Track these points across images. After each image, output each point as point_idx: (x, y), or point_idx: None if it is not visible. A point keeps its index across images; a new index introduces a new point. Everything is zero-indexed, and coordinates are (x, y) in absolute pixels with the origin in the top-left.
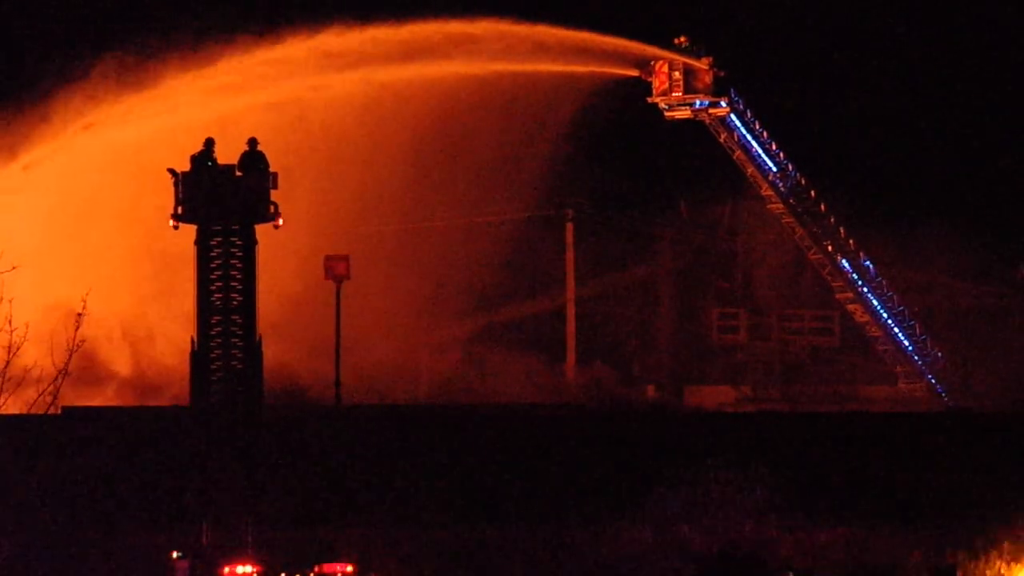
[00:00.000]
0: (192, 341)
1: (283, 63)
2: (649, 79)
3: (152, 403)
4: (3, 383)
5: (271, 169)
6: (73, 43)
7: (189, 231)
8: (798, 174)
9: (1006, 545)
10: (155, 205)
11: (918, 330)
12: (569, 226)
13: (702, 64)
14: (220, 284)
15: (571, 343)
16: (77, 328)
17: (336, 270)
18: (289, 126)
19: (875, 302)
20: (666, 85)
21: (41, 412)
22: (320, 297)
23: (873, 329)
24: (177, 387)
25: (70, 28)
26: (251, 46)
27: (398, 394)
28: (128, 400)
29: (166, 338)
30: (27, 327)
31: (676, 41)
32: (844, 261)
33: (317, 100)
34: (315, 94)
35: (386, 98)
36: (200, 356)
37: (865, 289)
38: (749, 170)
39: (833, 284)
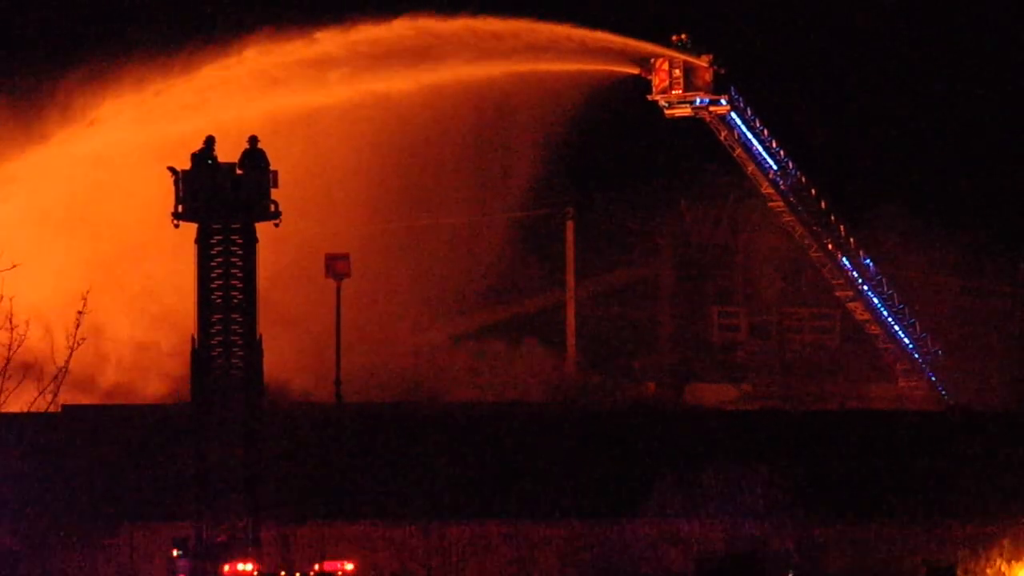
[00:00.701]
0: (192, 339)
1: (281, 64)
2: (649, 77)
3: (86, 396)
4: (3, 382)
5: (271, 167)
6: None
7: (181, 232)
8: (798, 172)
9: (1005, 543)
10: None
11: (918, 328)
12: (569, 224)
13: (702, 62)
14: (220, 282)
15: (571, 341)
16: (78, 326)
17: (337, 268)
18: (288, 127)
19: (875, 300)
20: (666, 83)
21: (41, 410)
22: (318, 295)
23: (873, 327)
24: (111, 380)
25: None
26: (249, 47)
27: (398, 392)
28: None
29: (111, 331)
30: (27, 325)
31: (674, 39)
32: (844, 259)
33: (317, 101)
34: (315, 95)
35: (386, 98)
36: (200, 354)
37: (865, 287)
38: (749, 168)
39: (833, 282)
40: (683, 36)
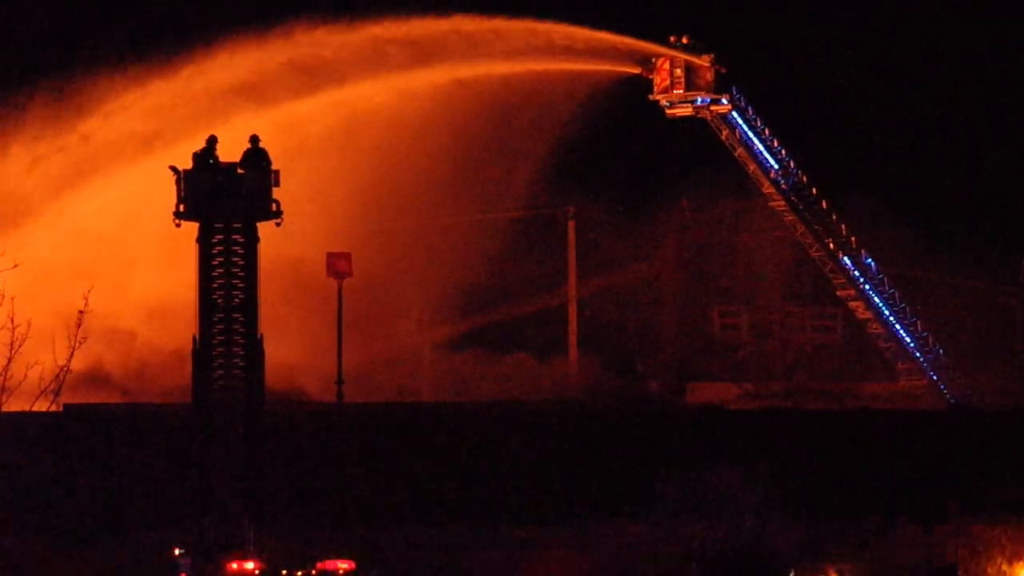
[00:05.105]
0: (194, 339)
1: (284, 64)
2: (650, 76)
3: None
4: (4, 381)
5: (273, 167)
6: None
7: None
8: (800, 171)
9: (1007, 542)
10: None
11: (919, 327)
12: (571, 224)
13: (703, 61)
14: (222, 282)
15: (573, 341)
16: (79, 325)
17: (338, 267)
18: (292, 126)
19: (876, 299)
20: (667, 82)
21: (43, 410)
22: (321, 294)
23: (875, 326)
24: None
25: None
26: (250, 46)
27: (400, 392)
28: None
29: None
30: (28, 325)
31: (672, 39)
32: (845, 258)
33: (320, 101)
34: (318, 95)
35: (388, 98)
36: (202, 354)
37: (867, 286)
38: (751, 167)
39: (835, 281)
40: (684, 36)
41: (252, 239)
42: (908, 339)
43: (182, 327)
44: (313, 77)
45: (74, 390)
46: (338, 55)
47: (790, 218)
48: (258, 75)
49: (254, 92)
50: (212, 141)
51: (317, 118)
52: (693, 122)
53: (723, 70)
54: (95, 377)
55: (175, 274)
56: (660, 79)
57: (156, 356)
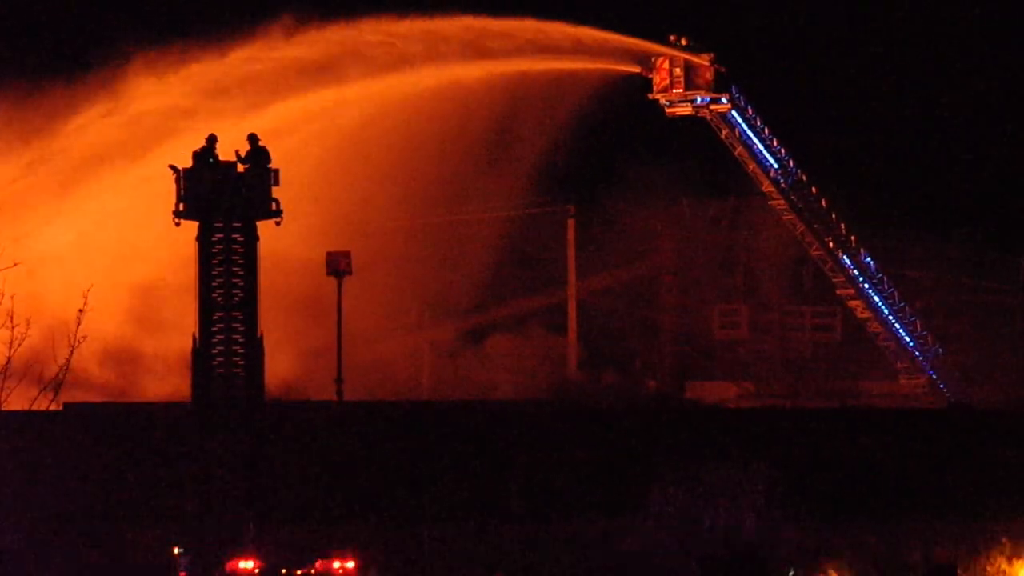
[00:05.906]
0: (194, 338)
1: (286, 64)
2: (650, 75)
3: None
4: (4, 380)
5: (272, 166)
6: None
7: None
8: (799, 170)
9: (1006, 542)
10: None
11: (919, 326)
12: (571, 222)
13: (703, 60)
14: (221, 281)
15: (572, 339)
16: (79, 324)
17: (338, 266)
18: (294, 126)
19: (876, 298)
20: (667, 81)
21: (43, 408)
22: (322, 293)
23: (874, 325)
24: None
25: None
26: (252, 45)
27: (400, 390)
28: None
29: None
30: (28, 323)
31: (672, 39)
32: (845, 257)
33: (322, 101)
34: (320, 94)
35: (390, 98)
36: (201, 353)
37: (866, 285)
38: (750, 166)
39: (834, 280)
40: (683, 37)
41: (252, 238)
42: (908, 338)
43: (115, 325)
44: (313, 77)
45: (74, 389)
46: (337, 55)
47: (789, 217)
48: (258, 75)
49: (255, 92)
50: (212, 140)
51: (318, 118)
52: (693, 121)
53: (723, 69)
54: (96, 376)
55: (110, 271)
56: (660, 78)
57: (94, 356)
